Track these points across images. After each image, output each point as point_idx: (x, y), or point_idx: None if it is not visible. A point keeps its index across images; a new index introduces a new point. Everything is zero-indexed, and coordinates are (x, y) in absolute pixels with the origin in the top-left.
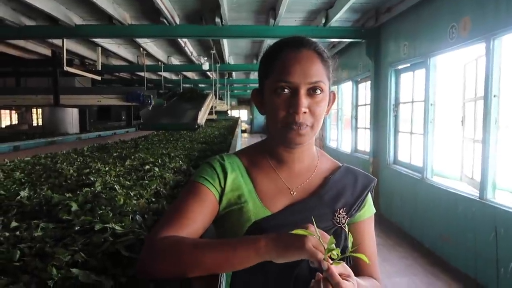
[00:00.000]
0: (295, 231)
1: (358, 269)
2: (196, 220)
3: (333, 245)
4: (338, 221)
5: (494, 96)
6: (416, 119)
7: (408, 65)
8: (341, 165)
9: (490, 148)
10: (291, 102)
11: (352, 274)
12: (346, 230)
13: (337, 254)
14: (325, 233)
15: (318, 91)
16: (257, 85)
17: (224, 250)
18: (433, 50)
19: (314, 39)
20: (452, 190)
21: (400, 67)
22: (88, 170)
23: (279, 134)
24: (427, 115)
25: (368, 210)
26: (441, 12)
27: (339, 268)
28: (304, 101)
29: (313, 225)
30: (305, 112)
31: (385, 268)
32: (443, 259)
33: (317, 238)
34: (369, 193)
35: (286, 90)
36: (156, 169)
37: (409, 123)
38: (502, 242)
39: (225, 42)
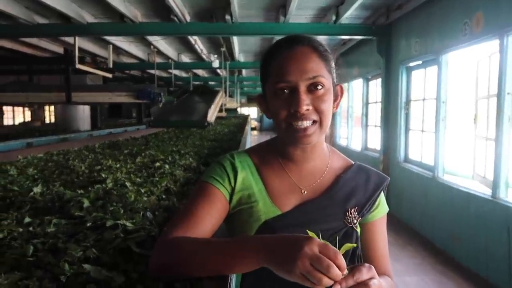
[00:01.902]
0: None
1: None
2: (206, 220)
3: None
4: (349, 221)
5: (508, 93)
6: (428, 117)
7: (420, 62)
8: (353, 163)
9: (503, 146)
10: (292, 101)
11: (376, 276)
12: (358, 230)
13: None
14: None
15: (319, 87)
16: None
17: (224, 254)
18: (445, 47)
19: (322, 37)
20: (464, 189)
21: (411, 64)
22: (99, 167)
23: (286, 136)
24: (438, 113)
25: (381, 209)
26: (454, 9)
27: (365, 269)
28: (305, 98)
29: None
30: (307, 110)
31: (395, 267)
32: (454, 259)
33: (317, 258)
34: (382, 192)
35: (286, 90)
36: (167, 166)
37: (420, 121)
38: None
39: (235, 39)
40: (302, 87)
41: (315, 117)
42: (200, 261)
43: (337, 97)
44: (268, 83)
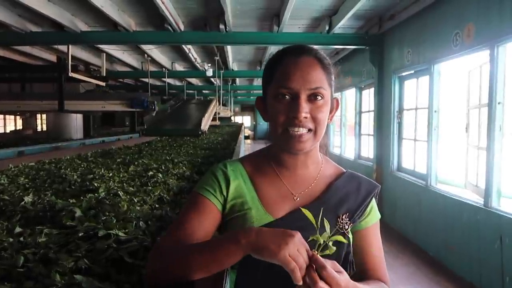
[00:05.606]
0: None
1: (368, 273)
2: (196, 232)
3: (325, 235)
4: (341, 226)
5: (499, 103)
6: (420, 126)
7: (412, 72)
8: (345, 171)
9: (494, 155)
10: (291, 107)
11: (344, 271)
12: (350, 236)
13: (325, 243)
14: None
15: (319, 97)
16: (260, 91)
17: (208, 249)
18: (437, 57)
19: (316, 47)
20: (456, 198)
21: (403, 74)
22: (91, 175)
23: (280, 140)
24: (431, 122)
25: (373, 216)
26: (445, 19)
27: (329, 263)
28: (305, 106)
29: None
30: (305, 117)
31: (389, 276)
32: (447, 268)
33: (301, 246)
34: (373, 199)
35: (287, 96)
36: (160, 175)
37: (413, 130)
38: (507, 251)
39: (229, 48)
40: (303, 96)
41: (311, 125)
42: (194, 262)
43: (332, 109)
44: (270, 86)
